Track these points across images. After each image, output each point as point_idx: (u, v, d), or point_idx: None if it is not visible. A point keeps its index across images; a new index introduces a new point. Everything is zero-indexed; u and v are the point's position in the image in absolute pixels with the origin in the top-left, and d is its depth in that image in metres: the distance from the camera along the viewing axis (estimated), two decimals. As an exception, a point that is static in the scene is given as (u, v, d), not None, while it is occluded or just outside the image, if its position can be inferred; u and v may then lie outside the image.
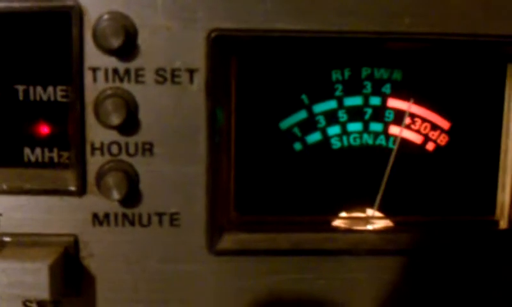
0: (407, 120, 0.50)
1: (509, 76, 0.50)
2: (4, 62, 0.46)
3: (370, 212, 0.51)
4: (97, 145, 0.46)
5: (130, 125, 0.45)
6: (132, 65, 0.45)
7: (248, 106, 0.49)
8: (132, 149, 0.46)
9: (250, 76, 0.48)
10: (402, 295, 0.50)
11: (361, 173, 0.51)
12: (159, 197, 0.47)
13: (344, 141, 0.50)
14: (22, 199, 0.46)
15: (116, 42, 0.43)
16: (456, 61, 0.50)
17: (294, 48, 0.48)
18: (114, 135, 0.46)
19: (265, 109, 0.49)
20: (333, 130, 0.50)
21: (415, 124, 0.51)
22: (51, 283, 0.44)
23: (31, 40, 0.46)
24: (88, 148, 0.46)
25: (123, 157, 0.46)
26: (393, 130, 0.50)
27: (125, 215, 0.47)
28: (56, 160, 0.47)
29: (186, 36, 0.45)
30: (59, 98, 0.46)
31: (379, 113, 0.50)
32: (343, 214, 0.51)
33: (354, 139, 0.50)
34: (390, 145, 0.51)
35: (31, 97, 0.46)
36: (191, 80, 0.45)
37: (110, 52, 0.44)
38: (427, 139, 0.51)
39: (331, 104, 0.50)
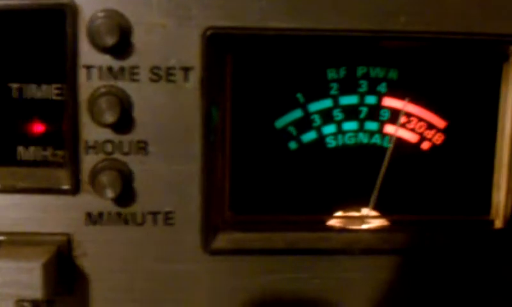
0: (402, 119, 0.50)
1: (504, 75, 0.50)
2: (-3, 60, 0.46)
3: (365, 211, 0.51)
4: (91, 143, 0.46)
5: (124, 123, 0.45)
6: (127, 63, 0.45)
7: (243, 105, 0.49)
8: (126, 148, 0.46)
9: (245, 74, 0.48)
10: (397, 295, 0.50)
11: (357, 172, 0.51)
12: (153, 196, 0.47)
13: (339, 140, 0.50)
14: (16, 198, 0.46)
15: (110, 40, 0.43)
16: (452, 60, 0.50)
17: (289, 47, 0.48)
18: (108, 134, 0.45)
19: (261, 108, 0.49)
20: (329, 129, 0.50)
21: (410, 123, 0.50)
22: (44, 283, 0.43)
23: (25, 38, 0.45)
24: (82, 147, 0.45)
25: (117, 155, 0.46)
26: (389, 129, 0.50)
27: (119, 214, 0.47)
28: (49, 158, 0.47)
29: (181, 34, 0.45)
30: (53, 97, 0.46)
31: (375, 112, 0.50)
32: (338, 213, 0.51)
33: (350, 138, 0.50)
34: (386, 144, 0.50)
35: (25, 95, 0.46)
36: (186, 78, 0.45)
37: (104, 50, 0.44)
38: (422, 138, 0.51)
39: (327, 103, 0.50)
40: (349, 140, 0.50)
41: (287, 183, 0.50)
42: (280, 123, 0.49)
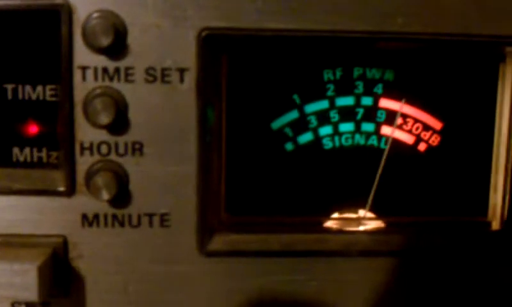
0: (399, 120, 0.50)
1: (501, 76, 0.50)
2: (-8, 61, 0.46)
3: (362, 212, 0.51)
4: (86, 145, 0.45)
5: (119, 124, 0.45)
6: (122, 64, 0.44)
7: (239, 106, 0.48)
8: (121, 149, 0.46)
9: (241, 75, 0.48)
10: (394, 297, 0.50)
11: (353, 173, 0.51)
12: (149, 198, 0.46)
13: (336, 141, 0.50)
14: (11, 200, 0.46)
15: (105, 41, 0.43)
16: (448, 61, 0.50)
17: (285, 48, 0.47)
18: (103, 135, 0.45)
19: (257, 109, 0.49)
20: (325, 130, 0.50)
21: (406, 124, 0.50)
22: (40, 285, 0.43)
23: (20, 39, 0.45)
24: (77, 148, 0.45)
25: (113, 156, 0.46)
26: (385, 130, 0.50)
27: (114, 216, 0.47)
28: (44, 160, 0.47)
29: (177, 35, 0.44)
30: (48, 98, 0.46)
31: (371, 113, 0.50)
32: (335, 215, 0.51)
33: (346, 139, 0.50)
34: (382, 145, 0.50)
35: (20, 96, 0.46)
36: (182, 79, 0.45)
37: (99, 50, 0.44)
38: (419, 139, 0.51)
39: (323, 104, 0.50)
40: (345, 141, 0.50)
41: (283, 185, 0.50)
42: (276, 124, 0.49)
